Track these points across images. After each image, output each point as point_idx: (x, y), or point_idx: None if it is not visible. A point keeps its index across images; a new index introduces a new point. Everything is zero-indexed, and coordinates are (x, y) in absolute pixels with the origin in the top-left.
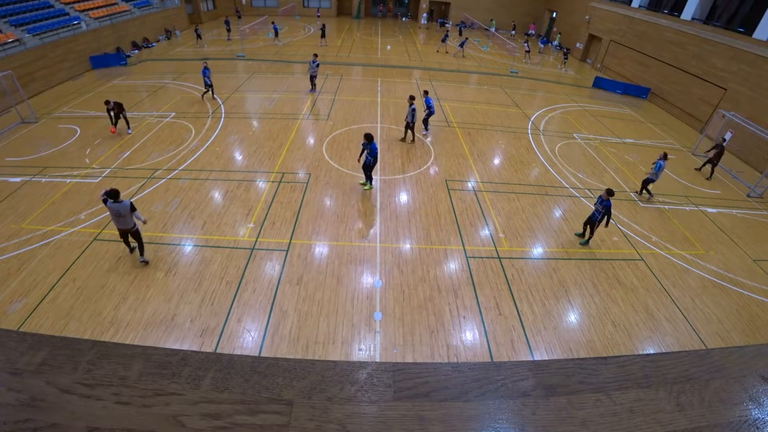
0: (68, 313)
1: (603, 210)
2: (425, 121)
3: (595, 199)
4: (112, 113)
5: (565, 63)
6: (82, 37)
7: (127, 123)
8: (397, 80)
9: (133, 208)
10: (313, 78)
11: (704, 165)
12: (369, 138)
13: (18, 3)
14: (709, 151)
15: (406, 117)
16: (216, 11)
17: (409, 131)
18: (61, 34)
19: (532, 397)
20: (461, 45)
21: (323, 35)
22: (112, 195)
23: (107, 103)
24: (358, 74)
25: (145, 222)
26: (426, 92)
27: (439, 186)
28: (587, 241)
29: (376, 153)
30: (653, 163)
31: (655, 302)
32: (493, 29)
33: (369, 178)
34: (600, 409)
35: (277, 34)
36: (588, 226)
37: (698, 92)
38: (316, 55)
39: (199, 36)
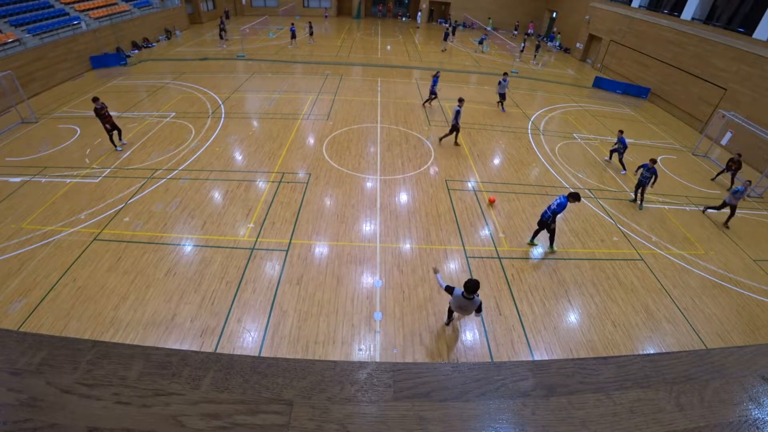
0: (68, 313)
1: (649, 175)
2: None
3: (642, 169)
4: (104, 118)
5: (535, 56)
6: (82, 37)
7: (119, 136)
8: (397, 80)
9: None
10: (502, 96)
11: (718, 175)
12: (573, 196)
13: (18, 3)
14: (727, 165)
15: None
16: (216, 11)
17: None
18: (61, 34)
19: (532, 397)
20: (444, 38)
21: (311, 33)
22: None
23: (95, 100)
24: (358, 74)
25: None
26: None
27: (439, 186)
28: (641, 205)
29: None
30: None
31: (655, 302)
32: (489, 28)
33: (552, 237)
34: (600, 409)
35: (294, 36)
36: (639, 190)
37: (698, 92)
38: (506, 74)
39: (221, 36)
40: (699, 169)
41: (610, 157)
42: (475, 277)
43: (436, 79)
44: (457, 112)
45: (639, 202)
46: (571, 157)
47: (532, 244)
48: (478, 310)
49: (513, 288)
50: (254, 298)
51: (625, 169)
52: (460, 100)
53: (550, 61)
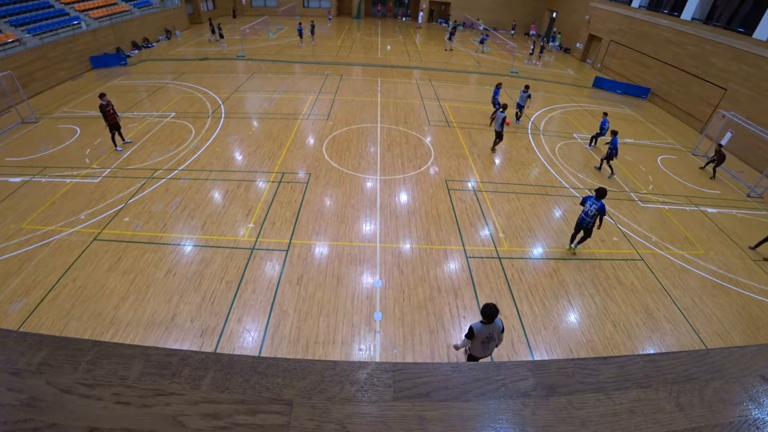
0: (68, 313)
1: (612, 148)
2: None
3: (610, 142)
4: (107, 116)
5: (540, 57)
6: (82, 37)
7: (122, 137)
8: (397, 80)
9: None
10: (521, 108)
11: (707, 164)
12: (602, 193)
13: (18, 3)
14: (713, 155)
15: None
16: (216, 11)
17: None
18: (61, 34)
19: (532, 397)
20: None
21: (312, 32)
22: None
23: (102, 96)
24: (358, 74)
25: None
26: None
27: (439, 186)
28: (611, 174)
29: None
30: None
31: (655, 302)
32: (482, 27)
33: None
34: (600, 409)
35: (301, 36)
36: (608, 164)
37: (698, 92)
38: (527, 87)
39: (221, 35)
40: (699, 169)
41: (611, 172)
42: (474, 277)
43: (497, 89)
44: (503, 119)
45: (609, 171)
46: (571, 157)
47: (572, 250)
48: (502, 331)
49: (513, 288)
50: (254, 298)
51: (594, 143)
52: (504, 107)
53: (550, 61)
